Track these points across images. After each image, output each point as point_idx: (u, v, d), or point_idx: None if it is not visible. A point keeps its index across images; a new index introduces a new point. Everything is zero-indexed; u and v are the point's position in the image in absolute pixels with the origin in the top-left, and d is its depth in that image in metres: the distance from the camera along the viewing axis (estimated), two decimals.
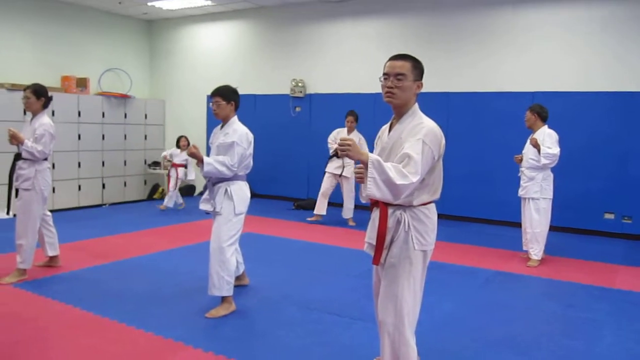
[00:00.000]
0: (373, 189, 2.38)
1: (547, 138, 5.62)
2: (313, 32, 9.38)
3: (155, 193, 10.18)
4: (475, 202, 8.04)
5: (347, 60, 9.00)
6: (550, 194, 5.73)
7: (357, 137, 7.40)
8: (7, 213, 4.97)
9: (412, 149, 2.46)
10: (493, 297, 4.70)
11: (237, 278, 4.69)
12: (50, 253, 5.12)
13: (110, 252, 5.87)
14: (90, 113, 9.18)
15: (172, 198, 8.65)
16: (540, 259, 5.77)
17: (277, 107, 9.67)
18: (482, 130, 7.88)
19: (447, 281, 5.09)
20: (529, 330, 3.96)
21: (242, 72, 10.04)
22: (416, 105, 2.68)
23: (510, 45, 7.73)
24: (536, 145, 5.61)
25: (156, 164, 10.19)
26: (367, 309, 3.87)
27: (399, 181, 2.38)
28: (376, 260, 2.63)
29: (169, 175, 8.82)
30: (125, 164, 9.84)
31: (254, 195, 9.75)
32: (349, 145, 2.40)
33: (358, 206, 7.87)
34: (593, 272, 5.55)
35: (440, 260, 5.77)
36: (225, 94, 4.20)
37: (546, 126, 5.73)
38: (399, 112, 2.68)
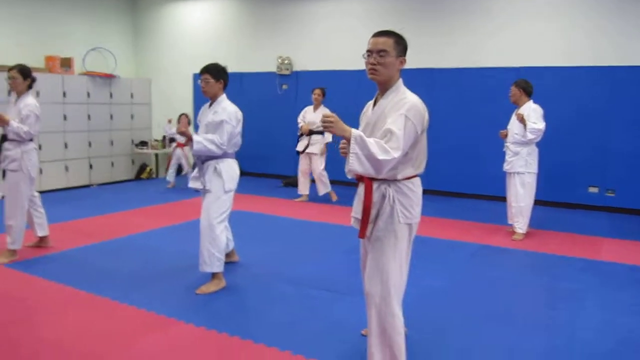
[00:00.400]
0: (355, 164, 2.42)
1: (533, 113, 5.66)
2: (299, 9, 9.32)
3: (143, 172, 10.15)
4: (461, 177, 8.12)
5: (333, 37, 8.96)
6: (535, 168, 5.79)
7: (323, 112, 7.42)
8: None
9: (395, 124, 2.50)
10: (478, 270, 4.79)
11: (227, 255, 4.75)
12: (40, 233, 5.13)
13: (100, 231, 5.89)
14: (76, 93, 9.08)
15: (172, 174, 9.05)
16: (525, 232, 5.86)
17: (263, 85, 9.64)
18: (467, 106, 7.92)
19: (433, 255, 5.18)
20: (514, 302, 4.06)
21: (228, 50, 9.98)
22: (400, 81, 2.71)
23: (494, 20, 7.75)
24: (522, 121, 5.65)
25: (143, 143, 10.14)
26: (356, 284, 3.93)
27: (380, 156, 2.42)
28: (362, 233, 2.68)
29: (170, 156, 9.23)
30: (112, 144, 9.78)
31: (242, 173, 9.75)
32: (331, 121, 2.43)
33: (344, 182, 7.91)
34: (578, 244, 5.67)
35: (427, 235, 5.85)
36: (214, 72, 4.20)
37: (531, 101, 5.77)
38: (383, 87, 2.71)
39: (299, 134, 7.74)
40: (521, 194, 5.78)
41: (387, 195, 2.64)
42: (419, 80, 8.12)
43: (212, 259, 4.03)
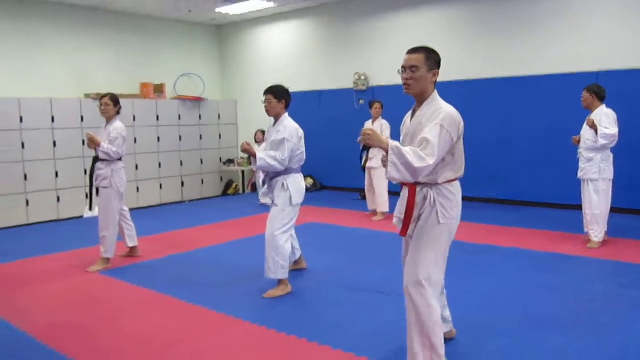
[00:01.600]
0: (393, 172, 2.62)
1: (605, 118, 5.52)
2: (372, 26, 9.59)
3: (229, 189, 10.77)
4: (537, 185, 7.96)
5: (405, 51, 9.11)
6: (609, 174, 5.64)
7: (379, 124, 7.50)
8: (90, 209, 5.52)
9: (430, 133, 2.69)
10: (543, 277, 4.75)
11: (295, 262, 5.07)
12: (130, 244, 5.70)
13: (184, 243, 6.42)
14: (168, 116, 9.87)
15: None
16: (601, 240, 5.70)
17: (341, 101, 9.95)
18: (543, 114, 7.78)
19: (500, 263, 5.20)
20: (572, 308, 4.03)
21: (307, 69, 10.42)
22: (435, 93, 2.90)
23: (568, 25, 7.59)
24: (593, 126, 5.54)
25: (230, 161, 10.77)
26: None
27: (417, 164, 2.61)
28: (404, 231, 2.90)
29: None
30: (201, 163, 10.47)
31: (322, 187, 10.23)
32: (369, 134, 2.67)
33: None
34: None
35: (494, 243, 5.88)
36: (276, 93, 4.51)
37: (604, 106, 5.62)
38: (420, 100, 2.91)
39: (361, 148, 7.75)
40: (595, 201, 5.65)
41: (429, 197, 2.84)
42: (497, 90, 8.14)
43: (277, 267, 4.34)
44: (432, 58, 2.85)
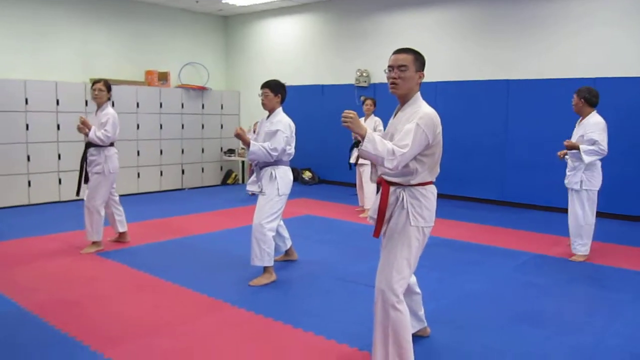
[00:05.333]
0: (369, 147, 2.61)
1: (594, 127, 5.23)
2: (377, 23, 9.70)
3: (229, 178, 10.90)
4: (532, 188, 8.07)
5: None
6: (594, 185, 5.36)
7: (373, 122, 7.52)
8: (78, 194, 5.58)
9: (405, 130, 2.75)
10: (527, 277, 4.87)
11: (286, 252, 5.20)
12: (120, 229, 5.81)
13: (181, 229, 6.56)
14: (171, 104, 9.99)
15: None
16: (585, 254, 5.47)
17: (342, 96, 10.05)
18: (542, 118, 7.87)
19: (486, 262, 5.32)
20: (552, 307, 4.15)
21: (310, 63, 10.54)
22: (418, 94, 2.97)
23: (567, 30, 7.68)
24: (572, 148, 5.30)
25: (231, 151, 10.90)
26: None
27: (387, 156, 2.63)
28: (376, 233, 2.96)
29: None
30: (202, 152, 10.60)
31: (320, 181, 10.34)
32: (351, 118, 2.65)
33: None
34: None
35: (485, 243, 6.01)
36: (273, 87, 4.63)
37: (595, 112, 5.40)
38: (403, 100, 2.98)
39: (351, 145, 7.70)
40: (579, 214, 5.40)
41: (401, 198, 2.89)
42: (494, 92, 8.24)
43: (263, 254, 4.47)
44: (419, 59, 2.93)
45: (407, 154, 2.69)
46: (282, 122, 4.53)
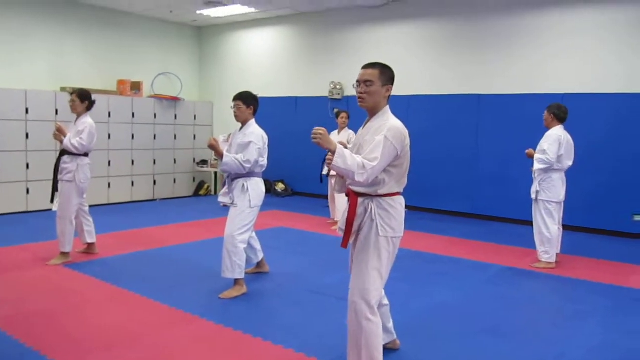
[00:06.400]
0: (339, 162, 2.69)
1: (547, 139, 5.57)
2: (351, 37, 9.78)
3: (201, 189, 10.83)
4: (503, 201, 8.19)
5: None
6: (550, 196, 5.61)
7: (347, 134, 7.55)
8: (52, 202, 5.50)
9: (375, 142, 2.81)
10: (496, 289, 4.95)
11: (258, 265, 5.18)
12: (89, 240, 5.71)
13: (151, 241, 6.48)
14: (143, 114, 9.90)
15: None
16: (548, 261, 5.68)
17: (316, 109, 10.08)
18: (512, 131, 8.00)
19: (456, 274, 5.38)
20: (519, 318, 4.23)
21: (284, 75, 10.57)
22: (387, 107, 3.03)
23: (539, 47, 7.87)
24: (530, 156, 5.70)
25: (204, 162, 10.83)
26: None
27: (357, 170, 2.70)
28: (344, 243, 3.00)
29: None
30: (175, 162, 10.51)
31: (293, 193, 10.34)
32: (320, 134, 2.73)
33: None
34: (609, 271, 5.64)
35: (452, 255, 6.07)
36: (245, 99, 4.64)
37: (560, 127, 5.63)
38: (372, 113, 3.04)
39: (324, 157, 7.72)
40: (540, 222, 5.68)
41: (369, 209, 2.93)
42: (466, 106, 8.37)
43: (234, 266, 4.44)
44: (386, 74, 2.99)
45: (376, 167, 2.75)
46: (255, 134, 4.53)
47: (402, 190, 3.03)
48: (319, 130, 2.73)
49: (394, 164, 2.90)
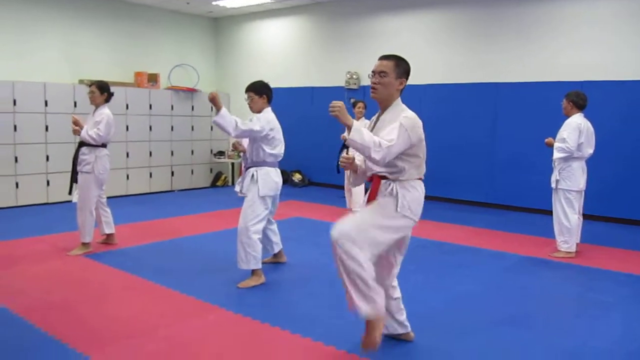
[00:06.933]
0: (352, 142, 2.76)
1: (567, 127, 5.52)
2: (367, 26, 9.72)
3: (218, 180, 10.88)
4: (522, 190, 8.11)
5: (398, 53, 9.23)
6: (570, 185, 5.55)
7: (363, 124, 7.53)
8: (70, 194, 5.56)
9: (391, 127, 2.87)
10: (515, 279, 4.90)
11: (275, 255, 5.19)
12: (107, 231, 5.76)
13: (170, 231, 6.53)
14: (161, 106, 9.95)
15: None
16: (569, 251, 5.63)
17: (332, 99, 9.85)
18: (531, 120, 7.91)
19: (474, 264, 5.35)
20: (539, 309, 4.18)
21: (300, 66, 10.55)
22: (399, 100, 3.06)
23: (555, 33, 7.74)
24: (550, 145, 5.61)
25: (221, 153, 10.87)
26: None
27: (373, 147, 2.76)
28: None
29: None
30: (192, 153, 10.56)
31: (310, 183, 10.34)
32: (338, 107, 2.77)
33: None
34: (630, 261, 5.58)
35: (474, 245, 6.03)
36: (257, 89, 4.61)
37: (580, 114, 5.57)
38: (384, 105, 3.06)
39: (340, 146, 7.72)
40: (560, 211, 5.63)
41: (392, 188, 2.97)
42: (483, 95, 8.29)
43: (249, 257, 4.45)
44: (401, 66, 2.99)
45: (393, 148, 2.80)
46: (264, 116, 4.52)
47: (422, 177, 3.08)
48: (337, 103, 2.79)
49: (410, 152, 2.95)
